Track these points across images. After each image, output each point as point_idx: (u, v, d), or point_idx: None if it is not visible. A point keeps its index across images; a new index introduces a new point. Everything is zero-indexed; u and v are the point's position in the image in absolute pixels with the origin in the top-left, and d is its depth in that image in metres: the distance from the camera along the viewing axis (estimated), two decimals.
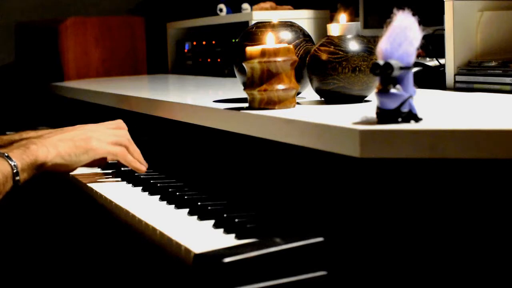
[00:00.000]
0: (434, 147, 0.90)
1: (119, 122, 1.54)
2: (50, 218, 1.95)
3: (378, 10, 1.97)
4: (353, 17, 2.00)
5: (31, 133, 1.61)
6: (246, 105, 1.25)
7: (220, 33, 2.44)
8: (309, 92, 1.39)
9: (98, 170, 1.62)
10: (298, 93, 1.33)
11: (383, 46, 0.95)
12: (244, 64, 1.21)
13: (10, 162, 1.30)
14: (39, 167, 1.35)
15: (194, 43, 2.56)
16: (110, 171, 1.59)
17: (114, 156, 1.45)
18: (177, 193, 1.29)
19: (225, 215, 1.12)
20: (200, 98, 1.60)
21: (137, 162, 1.47)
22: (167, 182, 1.40)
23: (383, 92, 0.95)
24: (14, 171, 1.30)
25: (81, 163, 1.43)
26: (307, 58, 1.27)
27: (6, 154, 1.31)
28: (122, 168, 1.56)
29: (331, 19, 2.21)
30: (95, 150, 1.42)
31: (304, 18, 2.21)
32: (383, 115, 0.95)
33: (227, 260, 0.91)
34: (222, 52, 2.38)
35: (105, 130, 1.48)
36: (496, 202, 0.92)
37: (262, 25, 1.33)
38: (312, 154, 1.06)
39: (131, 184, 1.45)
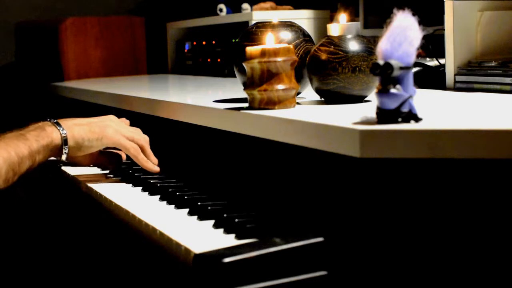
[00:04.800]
0: (434, 147, 0.90)
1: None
2: (50, 218, 1.95)
3: (378, 10, 1.97)
4: (353, 17, 2.00)
5: None
6: (246, 105, 1.25)
7: (220, 33, 2.44)
8: (309, 92, 1.39)
9: (98, 170, 1.62)
10: (298, 93, 1.33)
11: (383, 46, 0.95)
12: (244, 64, 1.21)
13: (26, 143, 1.32)
14: (54, 149, 1.37)
15: (194, 43, 2.56)
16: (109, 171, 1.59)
17: (125, 150, 1.46)
18: (177, 193, 1.29)
19: (225, 215, 1.12)
20: (200, 98, 1.60)
21: (149, 162, 1.46)
22: (167, 182, 1.40)
23: (383, 92, 0.95)
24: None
25: (92, 149, 1.44)
26: (307, 58, 1.27)
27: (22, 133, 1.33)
28: (123, 166, 1.56)
29: (331, 19, 2.21)
30: (109, 138, 1.43)
31: (304, 18, 2.21)
32: (383, 115, 0.95)
33: (227, 260, 0.91)
34: (222, 52, 2.38)
35: (124, 124, 1.49)
36: (496, 202, 0.92)
37: (262, 25, 1.33)
38: (312, 154, 1.06)
39: (131, 184, 1.45)
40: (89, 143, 1.42)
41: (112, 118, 1.48)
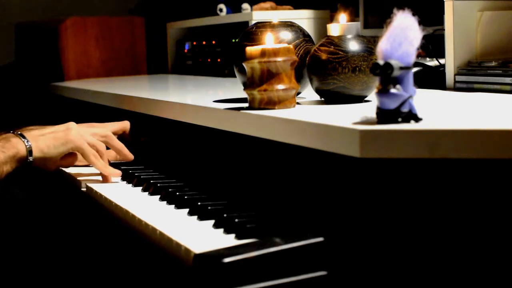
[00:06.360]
0: (434, 147, 0.90)
1: (124, 123, 1.55)
2: (50, 218, 1.95)
3: (378, 10, 1.97)
4: (353, 17, 2.00)
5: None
6: (246, 105, 1.25)
7: (220, 33, 2.44)
8: (309, 92, 1.39)
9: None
10: (298, 93, 1.33)
11: (383, 46, 0.95)
12: (244, 64, 1.21)
13: None
14: (20, 159, 1.39)
15: (194, 43, 2.56)
16: None
17: (85, 156, 1.48)
18: (177, 193, 1.29)
19: (225, 215, 1.12)
20: (200, 98, 1.60)
21: (108, 168, 1.48)
22: (167, 182, 1.40)
23: (383, 92, 0.95)
24: None
25: (60, 155, 1.46)
26: (307, 58, 1.27)
27: None
28: (122, 167, 1.56)
29: (331, 19, 2.21)
30: (73, 142, 1.46)
31: (304, 18, 2.21)
32: (383, 115, 0.95)
33: (227, 260, 0.91)
34: (222, 52, 2.38)
35: (87, 129, 1.52)
36: (496, 202, 0.92)
37: (262, 25, 1.33)
38: (312, 154, 1.06)
39: (131, 184, 1.45)
40: (55, 149, 1.44)
41: (73, 124, 1.51)
